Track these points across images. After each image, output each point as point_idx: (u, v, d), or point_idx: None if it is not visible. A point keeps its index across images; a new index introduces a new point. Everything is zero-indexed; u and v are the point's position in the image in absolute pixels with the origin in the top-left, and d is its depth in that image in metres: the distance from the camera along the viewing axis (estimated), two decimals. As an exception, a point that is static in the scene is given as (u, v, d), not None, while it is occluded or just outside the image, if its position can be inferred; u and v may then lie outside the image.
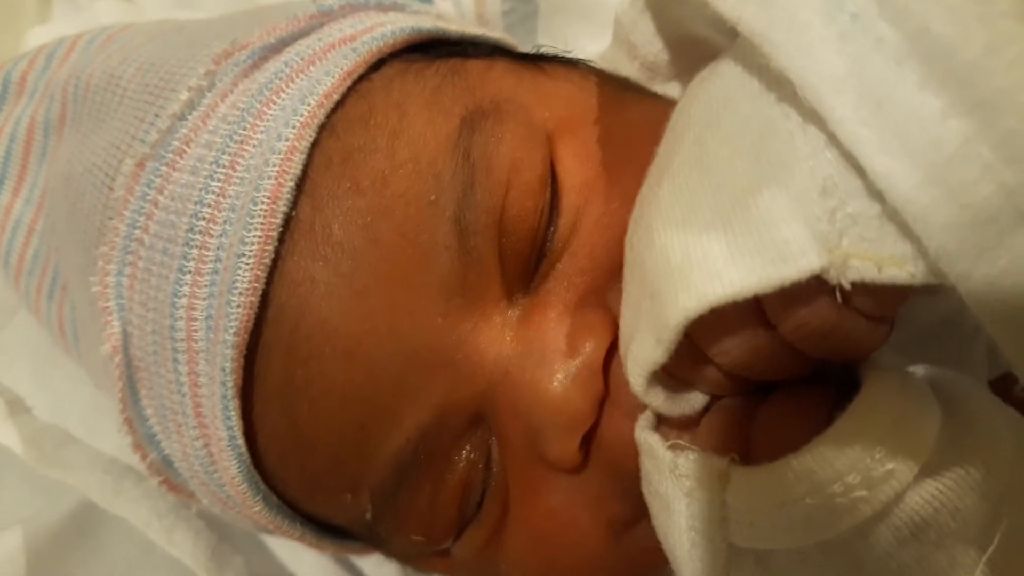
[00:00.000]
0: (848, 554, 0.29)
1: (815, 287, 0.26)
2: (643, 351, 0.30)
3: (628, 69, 0.45)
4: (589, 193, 0.38)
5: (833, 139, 0.26)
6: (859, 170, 0.26)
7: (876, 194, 0.25)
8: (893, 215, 0.25)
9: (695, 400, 0.33)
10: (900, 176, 0.25)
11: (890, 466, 0.28)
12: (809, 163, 0.27)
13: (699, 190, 0.29)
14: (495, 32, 0.50)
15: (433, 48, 0.43)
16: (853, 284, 0.25)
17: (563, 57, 0.47)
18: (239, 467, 0.38)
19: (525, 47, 0.50)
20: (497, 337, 0.37)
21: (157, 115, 0.39)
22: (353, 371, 0.36)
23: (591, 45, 0.48)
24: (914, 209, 0.24)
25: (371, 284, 0.36)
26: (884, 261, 0.25)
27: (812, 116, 0.27)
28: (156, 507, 0.52)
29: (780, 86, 0.28)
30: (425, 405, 0.37)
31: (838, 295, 0.26)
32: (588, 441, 0.37)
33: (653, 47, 0.43)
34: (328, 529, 0.45)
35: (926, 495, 0.28)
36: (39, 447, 0.54)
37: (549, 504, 0.38)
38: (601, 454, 0.37)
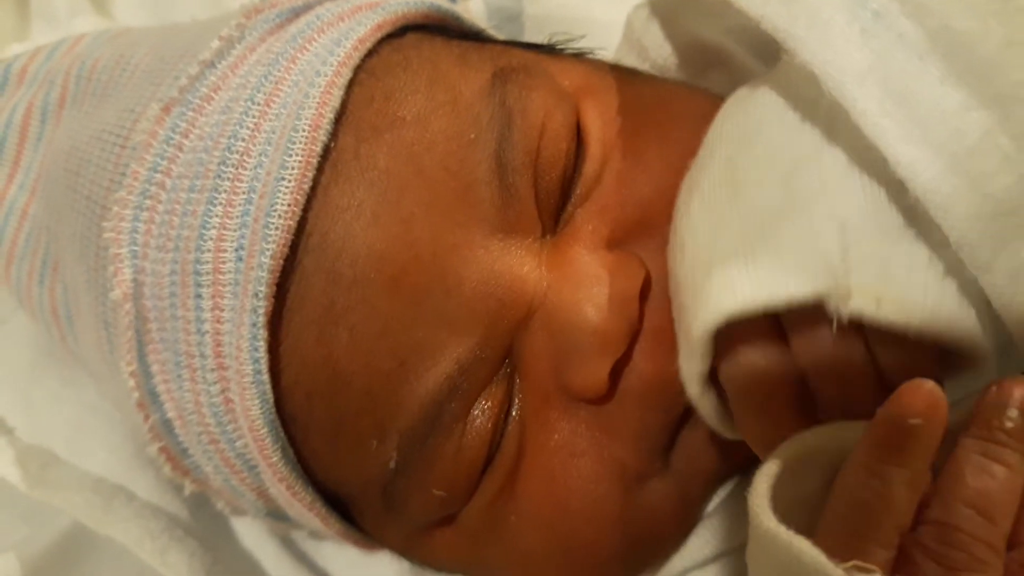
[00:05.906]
0: None
1: (823, 316, 0.28)
2: (685, 362, 0.32)
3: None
4: (611, 148, 0.40)
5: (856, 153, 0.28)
6: (881, 161, 0.26)
7: (888, 235, 0.27)
8: (910, 213, 0.26)
9: None
10: (923, 165, 0.25)
11: None
12: (831, 200, 0.28)
13: (727, 210, 0.31)
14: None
15: (448, 32, 0.45)
16: (879, 334, 0.27)
17: (571, 49, 0.48)
18: (261, 406, 0.37)
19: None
20: (536, 268, 0.39)
21: (184, 67, 0.39)
22: (397, 299, 0.36)
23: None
24: (936, 198, 0.25)
25: (417, 212, 0.36)
26: (885, 298, 0.26)
27: (844, 141, 0.28)
28: (149, 527, 0.51)
29: (815, 121, 0.29)
30: (467, 337, 0.37)
31: (834, 323, 0.27)
32: (615, 376, 0.37)
33: (663, 51, 0.44)
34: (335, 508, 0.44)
35: None
36: (24, 468, 0.52)
37: (563, 439, 0.39)
38: (631, 386, 0.38)
